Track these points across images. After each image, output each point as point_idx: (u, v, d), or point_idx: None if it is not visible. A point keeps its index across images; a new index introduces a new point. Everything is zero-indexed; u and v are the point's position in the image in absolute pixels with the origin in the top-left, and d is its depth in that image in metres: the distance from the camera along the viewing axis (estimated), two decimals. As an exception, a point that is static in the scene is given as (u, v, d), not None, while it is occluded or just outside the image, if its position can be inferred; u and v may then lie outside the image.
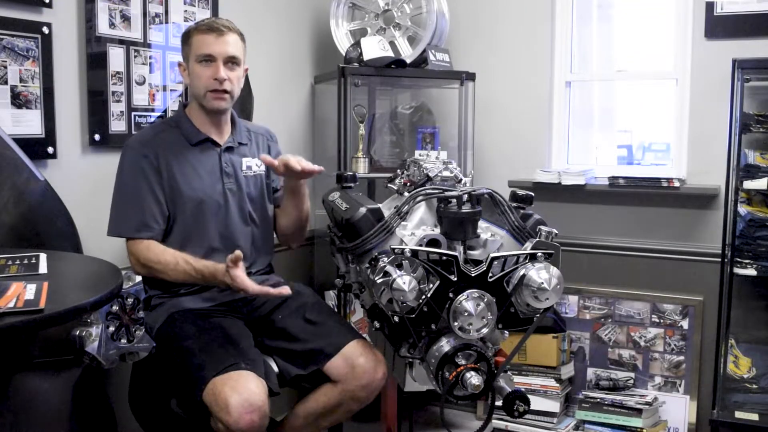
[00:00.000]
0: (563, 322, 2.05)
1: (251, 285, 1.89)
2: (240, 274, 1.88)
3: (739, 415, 2.62)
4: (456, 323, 1.69)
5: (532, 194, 1.92)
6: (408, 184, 2.08)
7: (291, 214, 2.25)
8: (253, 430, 1.74)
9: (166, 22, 2.53)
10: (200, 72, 2.07)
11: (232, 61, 2.08)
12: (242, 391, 1.75)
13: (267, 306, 2.14)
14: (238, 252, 1.88)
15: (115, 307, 2.15)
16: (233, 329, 2.01)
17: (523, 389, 1.82)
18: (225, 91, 2.07)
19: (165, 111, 2.55)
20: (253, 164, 2.23)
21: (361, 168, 3.00)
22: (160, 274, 2.01)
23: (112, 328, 2.13)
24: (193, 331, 1.97)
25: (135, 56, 2.42)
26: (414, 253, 1.68)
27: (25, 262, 1.66)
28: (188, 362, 1.90)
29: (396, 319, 1.71)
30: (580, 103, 3.31)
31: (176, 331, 2.00)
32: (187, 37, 2.11)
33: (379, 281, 1.65)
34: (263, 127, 2.36)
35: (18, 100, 2.08)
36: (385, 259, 1.68)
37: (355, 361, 1.98)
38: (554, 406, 2.96)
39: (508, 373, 1.82)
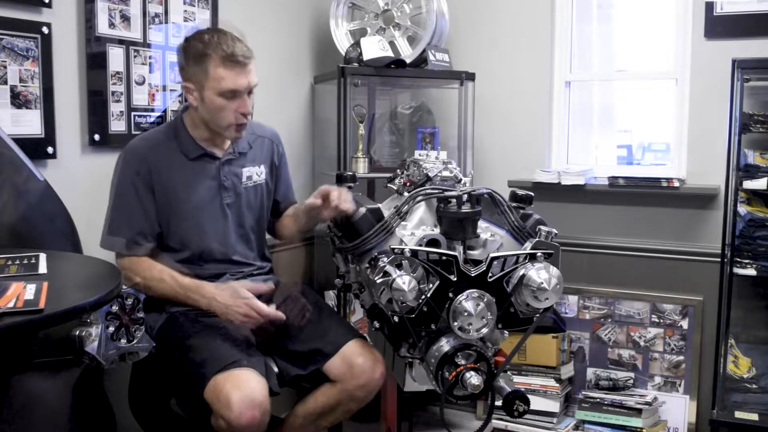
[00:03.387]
0: (563, 322, 2.05)
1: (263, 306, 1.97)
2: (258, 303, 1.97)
3: (738, 415, 2.62)
4: (456, 323, 1.69)
5: (532, 194, 1.92)
6: (408, 184, 2.08)
7: (293, 228, 2.28)
8: (254, 426, 1.75)
9: (166, 22, 2.53)
10: (222, 105, 1.99)
11: (252, 89, 2.04)
12: (244, 387, 1.76)
13: (269, 305, 2.13)
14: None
15: (114, 308, 2.15)
16: (233, 328, 2.01)
17: (522, 389, 1.82)
18: (246, 121, 2.05)
19: (165, 111, 2.54)
20: (253, 173, 2.19)
21: (361, 168, 3.00)
22: (145, 289, 2.04)
23: (111, 328, 2.13)
24: (193, 329, 1.97)
25: (135, 56, 2.42)
26: (414, 253, 1.68)
27: (25, 262, 1.66)
28: (189, 360, 1.90)
29: (396, 319, 1.71)
30: (580, 103, 3.31)
31: (177, 330, 2.00)
32: (200, 62, 1.98)
33: (378, 281, 1.65)
34: (269, 129, 2.31)
35: (18, 100, 2.08)
36: (385, 259, 1.68)
37: (354, 361, 1.98)
38: (554, 406, 2.96)
39: (508, 373, 1.82)
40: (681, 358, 2.97)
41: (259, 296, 2.03)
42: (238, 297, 1.95)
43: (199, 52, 1.99)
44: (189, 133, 2.09)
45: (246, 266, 2.17)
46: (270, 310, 1.97)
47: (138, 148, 2.07)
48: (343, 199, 1.90)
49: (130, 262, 2.03)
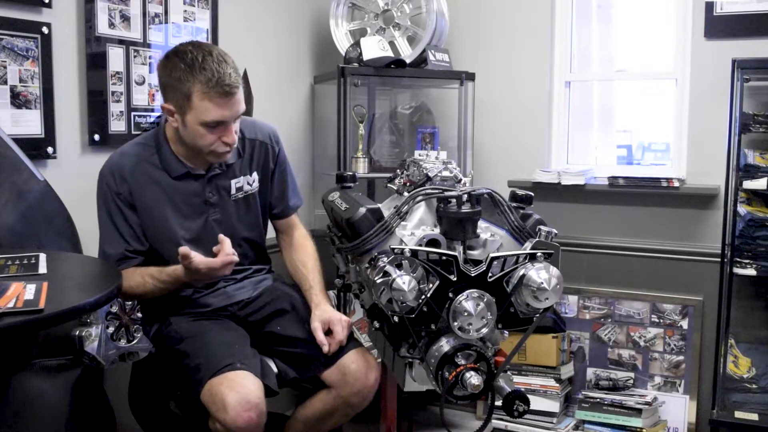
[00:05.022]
0: (563, 322, 2.05)
1: (207, 260, 1.83)
2: (194, 258, 1.81)
3: (738, 415, 2.62)
4: (456, 323, 1.69)
5: (532, 194, 1.93)
6: (408, 184, 2.08)
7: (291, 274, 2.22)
8: (251, 427, 1.75)
9: (166, 22, 2.53)
10: (204, 133, 1.86)
11: (239, 116, 1.91)
12: (239, 389, 1.75)
13: (264, 311, 2.13)
14: (181, 249, 1.81)
15: (114, 308, 2.15)
16: (228, 330, 2.00)
17: (522, 389, 1.82)
18: (230, 149, 1.93)
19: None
20: (244, 183, 2.06)
21: (361, 168, 3.00)
22: (136, 298, 1.96)
23: (111, 329, 2.13)
24: (187, 333, 1.96)
25: (134, 56, 2.42)
26: (414, 253, 1.68)
27: (25, 262, 1.66)
28: (184, 365, 1.90)
29: (396, 319, 1.71)
30: (580, 103, 3.31)
31: (171, 334, 1.99)
32: (181, 86, 1.82)
33: (378, 281, 1.65)
34: (265, 129, 2.14)
35: (18, 100, 2.08)
36: (385, 259, 1.68)
37: (347, 369, 1.96)
38: (554, 406, 2.96)
39: (508, 373, 1.82)
40: (681, 358, 2.97)
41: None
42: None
43: (179, 75, 1.83)
44: (171, 148, 1.98)
45: (240, 272, 2.13)
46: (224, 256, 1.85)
47: (116, 168, 1.96)
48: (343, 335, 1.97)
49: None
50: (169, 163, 1.98)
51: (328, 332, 1.99)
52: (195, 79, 1.81)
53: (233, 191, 2.05)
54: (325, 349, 1.95)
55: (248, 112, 2.69)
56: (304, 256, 2.20)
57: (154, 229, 1.99)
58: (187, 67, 1.82)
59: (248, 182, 2.08)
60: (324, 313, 2.02)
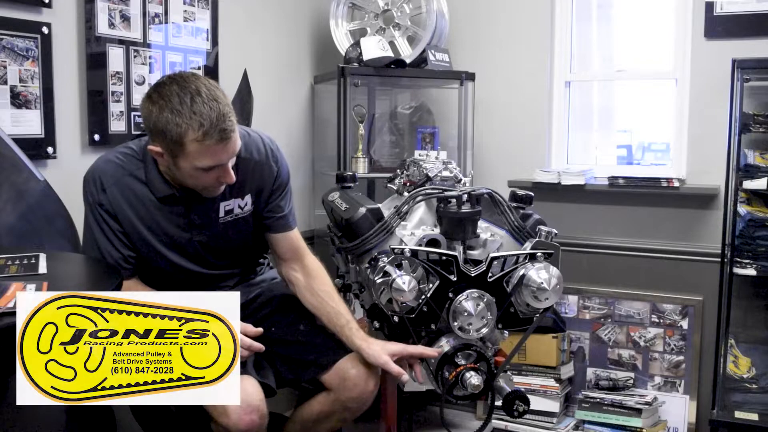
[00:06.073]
0: (563, 322, 2.06)
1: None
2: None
3: (738, 415, 2.62)
4: (456, 323, 1.69)
5: (532, 194, 1.93)
6: (408, 184, 2.08)
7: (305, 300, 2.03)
8: (253, 430, 1.75)
9: (166, 22, 2.53)
10: (199, 176, 1.71)
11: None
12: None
13: (260, 312, 2.12)
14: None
15: (114, 307, 2.15)
16: None
17: (522, 389, 1.82)
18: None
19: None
20: (234, 206, 1.89)
21: (361, 168, 3.00)
22: None
23: (111, 328, 2.13)
24: None
25: (134, 56, 2.42)
26: (414, 253, 1.68)
27: (25, 262, 1.66)
28: None
29: (396, 319, 1.71)
30: (580, 103, 3.31)
31: None
32: (171, 133, 1.63)
33: (378, 281, 1.66)
34: (261, 144, 1.92)
35: (18, 100, 2.08)
36: (385, 259, 1.68)
37: (347, 374, 1.94)
38: (554, 406, 2.96)
39: (508, 373, 1.82)
40: (681, 358, 2.97)
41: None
42: None
43: (166, 118, 1.63)
44: (158, 170, 1.82)
45: (231, 279, 2.09)
46: (249, 341, 1.82)
47: (98, 176, 1.83)
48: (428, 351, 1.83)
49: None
50: (153, 182, 1.83)
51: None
52: (186, 126, 1.62)
53: (222, 214, 1.89)
54: (405, 378, 1.84)
55: (248, 113, 2.69)
56: (327, 287, 2.01)
57: (136, 243, 1.90)
58: (175, 111, 1.62)
59: (239, 205, 1.91)
60: (386, 345, 1.88)
